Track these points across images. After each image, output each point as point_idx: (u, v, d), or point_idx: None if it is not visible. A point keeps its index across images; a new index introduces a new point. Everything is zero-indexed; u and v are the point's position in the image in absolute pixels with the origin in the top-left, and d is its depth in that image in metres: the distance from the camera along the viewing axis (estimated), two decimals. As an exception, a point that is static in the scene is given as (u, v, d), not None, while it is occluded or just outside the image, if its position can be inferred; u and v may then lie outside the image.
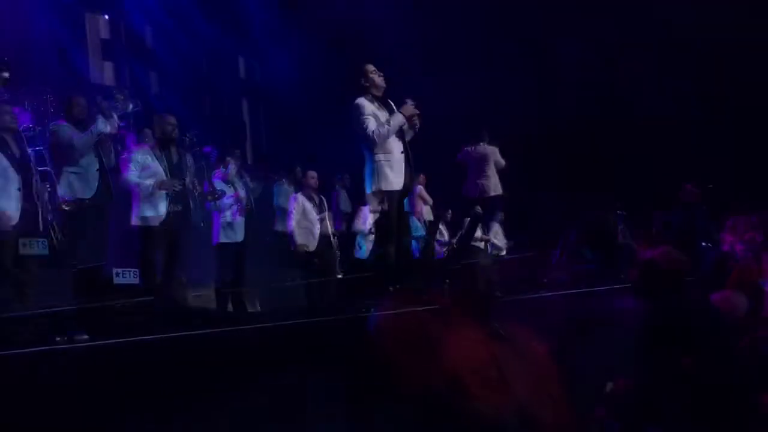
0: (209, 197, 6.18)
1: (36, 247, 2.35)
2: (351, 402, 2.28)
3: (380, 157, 4.76)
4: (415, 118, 4.86)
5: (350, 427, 2.22)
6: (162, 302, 3.36)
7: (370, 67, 4.89)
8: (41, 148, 5.08)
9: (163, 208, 5.31)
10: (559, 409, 2.58)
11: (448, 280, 2.51)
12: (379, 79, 4.89)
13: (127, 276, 2.36)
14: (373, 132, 4.72)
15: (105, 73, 12.33)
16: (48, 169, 4.91)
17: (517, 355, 2.62)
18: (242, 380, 1.83)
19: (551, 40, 10.72)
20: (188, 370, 1.70)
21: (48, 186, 4.78)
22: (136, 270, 2.41)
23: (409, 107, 4.82)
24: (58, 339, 1.61)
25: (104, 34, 11.83)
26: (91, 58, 12.04)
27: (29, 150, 4.84)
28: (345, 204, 9.11)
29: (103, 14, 12.29)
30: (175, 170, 5.28)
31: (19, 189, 4.47)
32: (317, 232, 7.52)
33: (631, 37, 10.40)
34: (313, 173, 7.63)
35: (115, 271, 2.31)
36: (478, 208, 6.96)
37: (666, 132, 9.87)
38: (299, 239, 7.49)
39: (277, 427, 1.96)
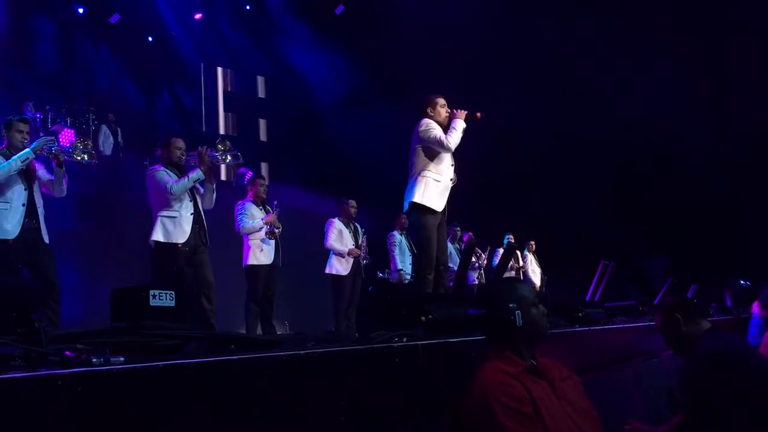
0: (269, 235, 6.77)
1: (165, 299, 2.40)
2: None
3: (431, 174, 4.69)
4: (470, 115, 4.80)
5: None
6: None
7: (441, 101, 4.85)
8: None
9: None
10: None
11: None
12: (445, 115, 4.82)
13: (163, 298, 2.36)
14: (445, 138, 4.66)
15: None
16: (51, 177, 5.10)
17: (553, 392, 2.55)
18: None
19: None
20: (224, 395, 1.68)
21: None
22: (172, 292, 2.41)
23: (462, 112, 4.77)
24: (94, 360, 1.60)
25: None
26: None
27: (37, 165, 4.97)
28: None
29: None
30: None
31: (23, 204, 4.66)
32: (351, 258, 7.62)
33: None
34: (353, 202, 7.76)
35: (152, 293, 2.31)
36: (512, 240, 6.93)
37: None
38: (335, 263, 7.58)
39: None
